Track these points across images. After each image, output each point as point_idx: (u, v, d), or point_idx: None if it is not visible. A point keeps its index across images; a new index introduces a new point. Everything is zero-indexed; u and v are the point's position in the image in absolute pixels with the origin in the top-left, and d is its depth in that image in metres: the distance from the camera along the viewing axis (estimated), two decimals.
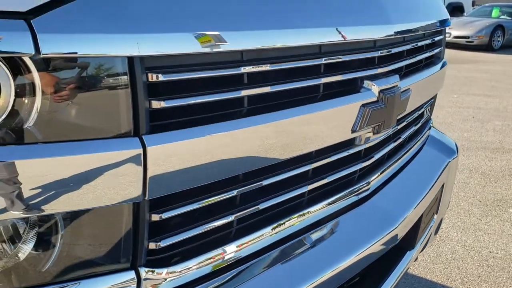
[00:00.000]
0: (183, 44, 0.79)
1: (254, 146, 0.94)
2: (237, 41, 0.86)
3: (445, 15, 1.84)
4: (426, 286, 2.71)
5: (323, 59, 1.08)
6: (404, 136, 1.64)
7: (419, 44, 1.57)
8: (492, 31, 14.89)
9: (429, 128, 2.04)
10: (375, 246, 1.29)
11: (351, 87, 1.20)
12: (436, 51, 1.80)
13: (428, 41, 1.66)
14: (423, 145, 1.92)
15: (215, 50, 0.84)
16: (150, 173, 0.79)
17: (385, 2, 1.28)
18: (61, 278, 0.81)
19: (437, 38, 1.79)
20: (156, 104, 0.80)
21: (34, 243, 0.80)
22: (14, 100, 0.70)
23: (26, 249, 0.80)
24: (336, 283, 1.18)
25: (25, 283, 0.80)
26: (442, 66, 1.88)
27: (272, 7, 0.96)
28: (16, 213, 0.72)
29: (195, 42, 0.80)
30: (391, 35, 1.26)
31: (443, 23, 1.79)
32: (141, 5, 0.76)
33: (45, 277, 0.81)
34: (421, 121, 1.85)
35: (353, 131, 1.19)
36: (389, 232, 1.34)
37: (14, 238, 0.79)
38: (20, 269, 0.80)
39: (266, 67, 0.95)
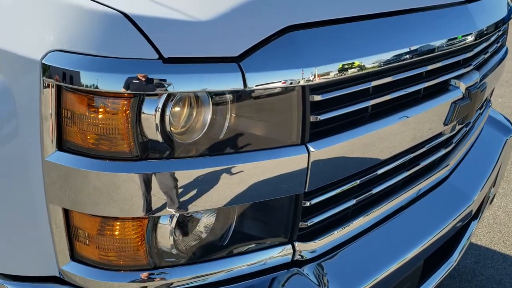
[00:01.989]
0: (339, 72, 1.00)
1: (379, 145, 1.16)
2: (374, 63, 1.07)
3: (509, 5, 1.99)
4: (472, 248, 2.96)
5: (427, 67, 1.27)
6: (473, 119, 1.83)
7: (492, 38, 1.74)
8: None
9: (489, 108, 2.22)
10: (455, 222, 1.52)
11: (443, 87, 1.40)
12: (503, 40, 1.96)
13: (499, 33, 1.82)
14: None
15: (359, 73, 1.05)
16: (311, 172, 1.02)
17: (472, 9, 1.45)
18: (237, 250, 1.06)
19: (503, 28, 1.95)
20: (315, 118, 1.02)
21: (214, 224, 1.04)
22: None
23: (209, 227, 1.04)
24: (423, 254, 1.42)
25: (209, 255, 1.05)
26: (506, 52, 2.04)
27: (391, 32, 1.15)
28: (220, 203, 0.96)
29: (347, 71, 1.01)
30: (477, 39, 1.44)
31: (509, 13, 1.94)
32: (309, 47, 0.97)
33: (224, 250, 1.06)
34: (485, 104, 2.04)
35: (445, 125, 1.40)
36: (466, 208, 1.57)
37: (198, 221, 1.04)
38: (206, 243, 1.05)
39: (389, 79, 1.16)
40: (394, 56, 1.12)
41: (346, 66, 1.01)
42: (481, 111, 1.98)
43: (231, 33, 0.91)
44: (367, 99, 1.13)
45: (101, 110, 0.87)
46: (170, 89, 0.86)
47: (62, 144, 0.91)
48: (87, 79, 0.84)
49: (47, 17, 0.92)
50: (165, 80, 0.85)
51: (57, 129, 0.90)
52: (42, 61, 0.87)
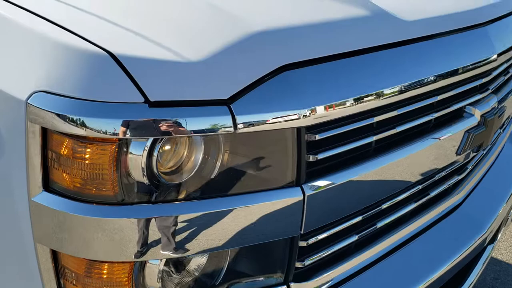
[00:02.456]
0: (337, 111, 0.95)
1: (383, 181, 1.11)
2: (376, 99, 1.02)
3: None
4: (492, 263, 2.86)
5: (438, 96, 1.21)
6: (491, 142, 1.75)
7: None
8: None
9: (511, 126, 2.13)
10: (467, 252, 1.45)
11: (456, 115, 1.33)
12: None
13: None
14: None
15: (359, 111, 1.00)
16: (307, 214, 0.98)
17: (491, 31, 1.38)
18: None
19: None
20: (312, 158, 0.97)
21: (206, 263, 1.01)
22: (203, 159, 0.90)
23: (201, 267, 1.01)
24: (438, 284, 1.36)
25: None
26: None
27: (396, 64, 1.09)
28: (208, 248, 0.93)
29: (346, 109, 0.96)
30: (496, 63, 1.36)
31: None
32: (304, 86, 0.93)
33: None
34: (507, 122, 1.95)
35: (457, 154, 1.33)
36: (479, 238, 1.50)
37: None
38: (197, 283, 1.02)
39: (394, 113, 1.10)
40: (399, 89, 1.06)
41: (344, 105, 0.96)
42: (501, 130, 1.89)
43: (221, 75, 0.87)
44: (369, 134, 1.07)
45: (85, 153, 0.84)
46: (156, 134, 0.83)
47: (48, 185, 0.89)
48: (70, 122, 0.82)
49: (34, 55, 0.89)
50: (150, 125, 0.82)
51: (43, 169, 0.88)
52: (27, 101, 0.85)
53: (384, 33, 1.09)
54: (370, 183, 1.08)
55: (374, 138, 1.07)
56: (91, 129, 0.82)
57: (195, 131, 0.84)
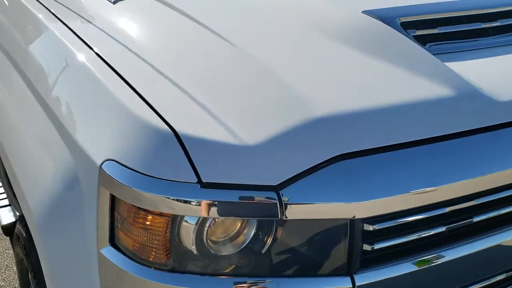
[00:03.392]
0: (397, 205, 0.91)
1: (447, 274, 1.03)
2: (442, 194, 0.95)
3: None
4: None
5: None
6: None
7: None
8: None
9: None
10: None
11: None
12: None
13: None
14: None
15: (422, 204, 0.94)
16: None
17: None
18: None
19: None
20: (367, 247, 0.94)
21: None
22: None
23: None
24: None
25: None
26: None
27: (469, 155, 1.01)
28: None
29: (408, 203, 0.92)
30: None
31: None
32: (361, 178, 0.90)
33: None
34: None
35: None
36: None
37: None
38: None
39: (465, 205, 1.01)
40: (469, 184, 0.98)
41: (405, 199, 0.91)
42: None
43: (274, 160, 0.88)
44: (438, 225, 1.00)
45: (143, 222, 0.91)
46: (204, 214, 0.87)
47: (114, 241, 0.98)
48: (131, 194, 0.89)
49: (113, 120, 0.99)
50: (200, 205, 0.86)
51: (111, 226, 0.97)
52: (101, 166, 0.94)
53: (469, 118, 1.01)
54: (433, 274, 1.01)
55: (444, 228, 1.00)
56: (148, 202, 0.88)
57: (242, 215, 0.86)
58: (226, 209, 0.86)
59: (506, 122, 1.05)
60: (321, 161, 0.89)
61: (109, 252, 0.97)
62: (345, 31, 1.20)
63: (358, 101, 0.97)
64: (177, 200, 0.86)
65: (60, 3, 1.55)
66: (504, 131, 1.04)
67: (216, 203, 0.86)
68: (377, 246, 0.94)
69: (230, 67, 1.09)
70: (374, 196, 0.91)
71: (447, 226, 1.00)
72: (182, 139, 0.89)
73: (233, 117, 0.93)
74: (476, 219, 1.04)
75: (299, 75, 1.04)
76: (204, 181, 0.86)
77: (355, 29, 1.20)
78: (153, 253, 0.92)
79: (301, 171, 0.88)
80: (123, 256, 0.96)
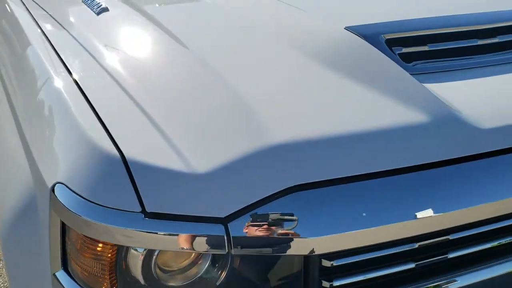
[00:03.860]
0: (357, 241, 0.85)
1: None
2: (405, 229, 0.88)
3: None
4: None
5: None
6: None
7: None
8: None
9: None
10: None
11: None
12: None
13: None
14: None
15: (388, 240, 0.87)
16: None
17: None
18: None
19: None
20: (326, 284, 0.88)
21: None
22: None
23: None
24: None
25: None
26: None
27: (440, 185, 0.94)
28: None
29: (365, 239, 0.85)
30: None
31: None
32: (316, 210, 0.84)
33: None
34: None
35: None
36: None
37: None
38: None
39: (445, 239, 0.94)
40: (443, 219, 0.90)
41: (368, 234, 0.85)
42: None
43: (225, 190, 0.83)
44: (404, 262, 0.93)
45: (90, 251, 0.87)
46: (149, 245, 0.83)
47: (66, 266, 0.95)
48: (77, 221, 0.85)
49: (69, 144, 0.95)
50: (143, 236, 0.82)
51: (62, 252, 0.94)
52: (52, 189, 0.91)
53: (445, 147, 0.94)
54: None
55: (413, 265, 0.93)
56: (92, 231, 0.84)
57: (187, 248, 0.82)
58: (169, 242, 0.82)
59: (487, 152, 0.97)
60: (274, 192, 0.84)
61: (61, 276, 0.94)
62: (324, 49, 1.14)
63: (321, 127, 0.90)
64: (119, 230, 0.82)
65: (45, 10, 1.53)
66: (484, 161, 0.96)
67: (159, 235, 0.82)
68: (337, 283, 0.88)
69: (196, 89, 1.04)
70: (332, 230, 0.85)
71: (417, 263, 0.93)
72: (129, 165, 0.85)
73: (188, 143, 0.88)
74: (451, 255, 0.97)
75: (265, 98, 0.99)
76: (148, 211, 0.82)
77: (334, 47, 1.14)
78: (101, 282, 0.89)
79: (252, 202, 0.83)
80: (74, 283, 0.92)
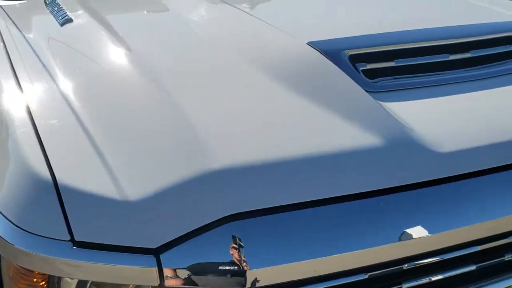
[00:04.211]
0: (297, 272, 0.81)
1: None
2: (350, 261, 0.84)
3: None
4: None
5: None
6: None
7: None
8: None
9: None
10: None
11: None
12: None
13: None
14: None
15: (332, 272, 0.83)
16: None
17: None
18: None
19: None
20: None
21: None
22: None
23: None
24: None
25: None
26: None
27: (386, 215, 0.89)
28: None
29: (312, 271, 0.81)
30: None
31: None
32: (253, 241, 0.80)
33: None
34: None
35: None
36: None
37: None
38: None
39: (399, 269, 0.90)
40: (393, 249, 0.86)
41: (308, 266, 0.80)
42: None
43: (158, 219, 0.78)
44: None
45: (21, 280, 0.83)
46: (77, 276, 0.79)
47: None
48: (7, 248, 0.82)
49: (9, 167, 0.91)
50: (70, 266, 0.78)
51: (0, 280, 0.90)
52: None
53: (399, 172, 0.89)
54: None
55: None
56: (20, 258, 0.81)
57: (117, 280, 0.78)
58: (98, 272, 0.78)
59: (446, 177, 0.92)
60: (211, 221, 0.79)
61: None
62: (281, 65, 1.10)
63: (265, 152, 0.86)
64: (46, 258, 0.78)
65: (12, 20, 1.50)
66: (441, 187, 0.92)
67: (90, 264, 0.78)
68: None
69: (144, 112, 0.99)
70: (275, 261, 0.80)
71: None
72: (60, 192, 0.81)
73: (125, 169, 0.84)
74: (406, 286, 0.92)
75: (213, 120, 0.94)
76: (77, 240, 0.78)
77: (292, 63, 1.10)
78: None
79: (187, 232, 0.79)
80: None
